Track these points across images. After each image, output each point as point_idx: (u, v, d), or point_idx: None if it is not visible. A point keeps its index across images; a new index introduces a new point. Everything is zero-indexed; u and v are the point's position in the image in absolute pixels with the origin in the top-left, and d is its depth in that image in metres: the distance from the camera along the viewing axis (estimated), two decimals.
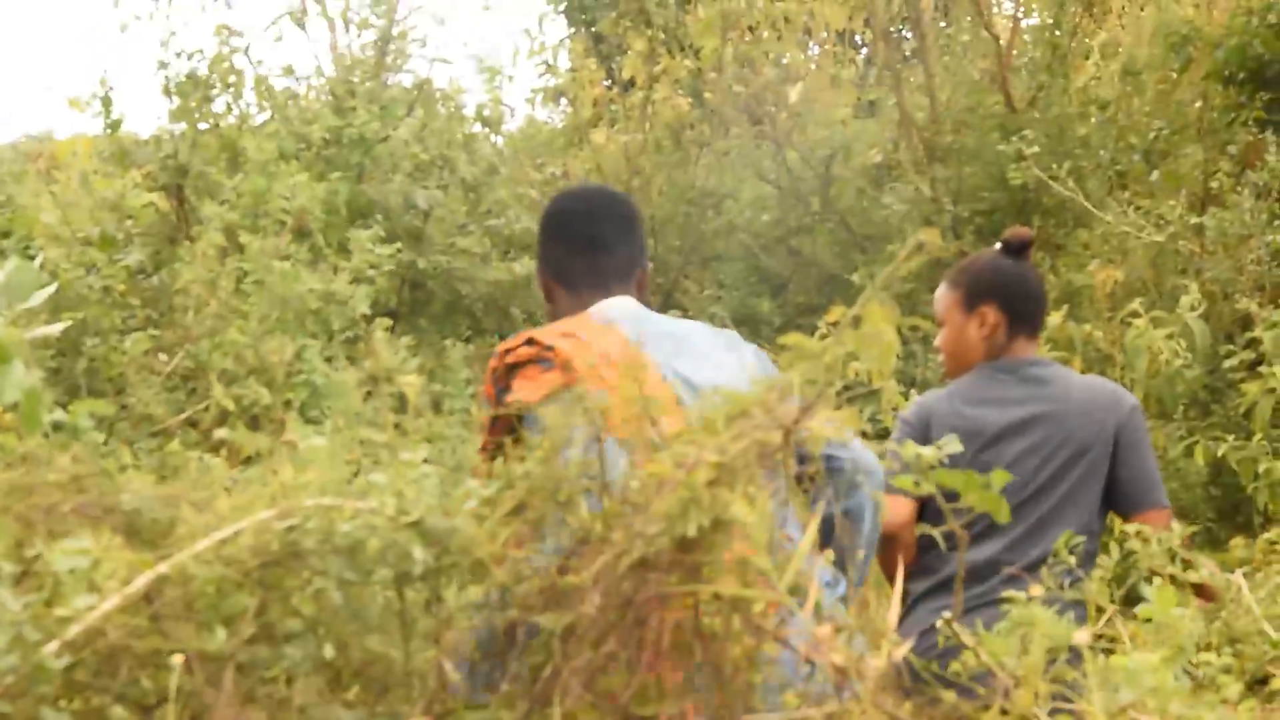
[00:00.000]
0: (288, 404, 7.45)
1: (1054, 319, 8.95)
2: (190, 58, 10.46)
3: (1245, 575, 3.03)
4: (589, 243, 3.76)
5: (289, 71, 11.39)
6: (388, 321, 8.80)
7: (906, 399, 6.62)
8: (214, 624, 2.08)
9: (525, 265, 11.34)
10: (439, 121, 12.08)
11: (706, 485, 2.07)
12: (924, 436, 4.33)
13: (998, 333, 4.49)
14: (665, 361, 3.38)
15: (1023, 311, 4.51)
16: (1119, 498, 4.24)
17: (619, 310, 3.64)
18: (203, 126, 10.33)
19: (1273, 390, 7.20)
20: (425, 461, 2.36)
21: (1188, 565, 3.10)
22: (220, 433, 2.79)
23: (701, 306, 14.12)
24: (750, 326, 13.87)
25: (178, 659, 2.01)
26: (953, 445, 2.44)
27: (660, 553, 2.08)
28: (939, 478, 2.40)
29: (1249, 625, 2.79)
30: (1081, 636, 2.22)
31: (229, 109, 10.72)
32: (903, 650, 2.16)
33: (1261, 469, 6.38)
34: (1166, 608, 2.33)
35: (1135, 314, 8.46)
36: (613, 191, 4.13)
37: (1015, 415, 4.34)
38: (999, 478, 2.43)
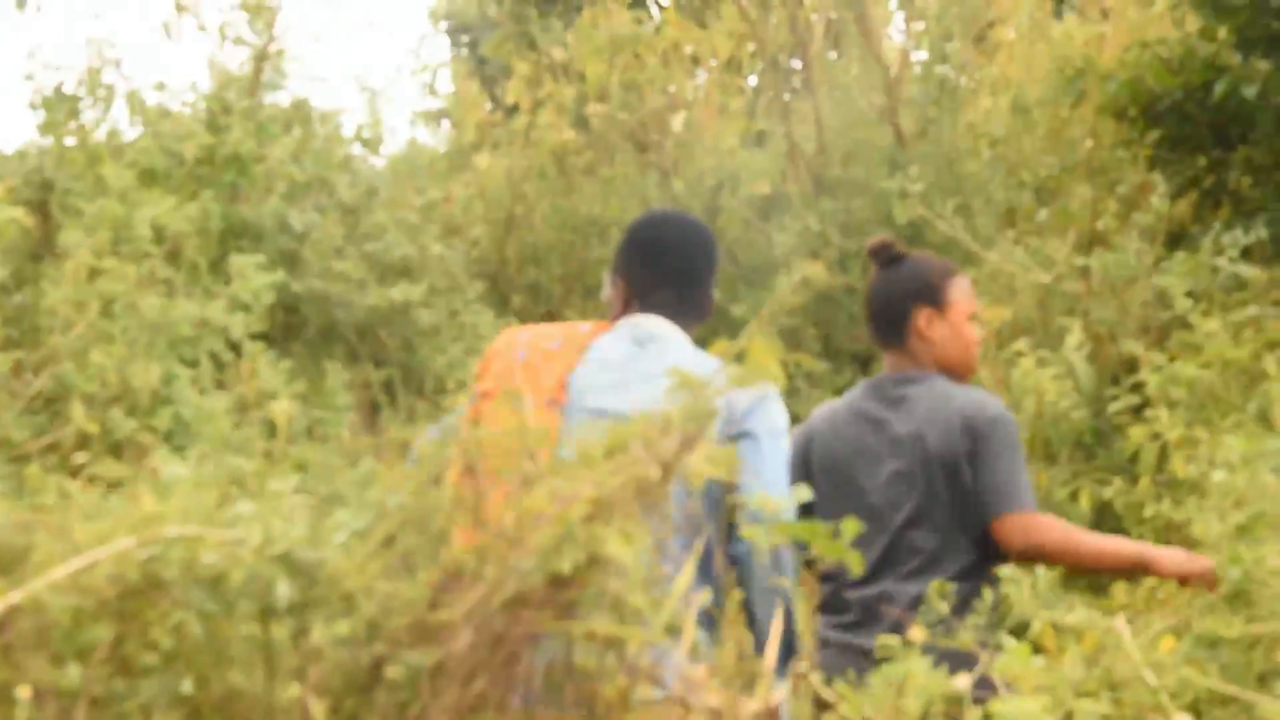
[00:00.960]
0: (153, 431, 7.32)
1: None
2: (58, 70, 10.31)
3: (1128, 621, 3.02)
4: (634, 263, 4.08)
5: (161, 87, 11.22)
6: (262, 346, 8.68)
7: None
8: (68, 656, 2.01)
9: (403, 291, 11.23)
10: (317, 142, 11.97)
11: (583, 521, 2.03)
12: (805, 463, 4.42)
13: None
14: (587, 392, 3.68)
15: (873, 325, 4.59)
16: (977, 510, 4.23)
17: (625, 325, 3.96)
18: (70, 141, 10.17)
19: (1158, 435, 7.25)
20: (297, 491, 2.30)
21: (1070, 608, 3.09)
22: (79, 457, 2.72)
23: None
24: None
25: (25, 692, 1.93)
26: (801, 494, 2.43)
27: (534, 589, 2.03)
28: (784, 529, 2.39)
29: (1129, 672, 2.77)
30: (961, 683, 2.20)
31: (98, 124, 10.56)
32: (780, 694, 2.13)
33: (1147, 513, 6.41)
34: (1024, 660, 2.31)
35: (1020, 353, 8.51)
36: (683, 220, 4.30)
37: (882, 437, 4.36)
38: (850, 527, 2.41)
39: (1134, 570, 4.09)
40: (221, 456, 2.39)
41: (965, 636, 3.04)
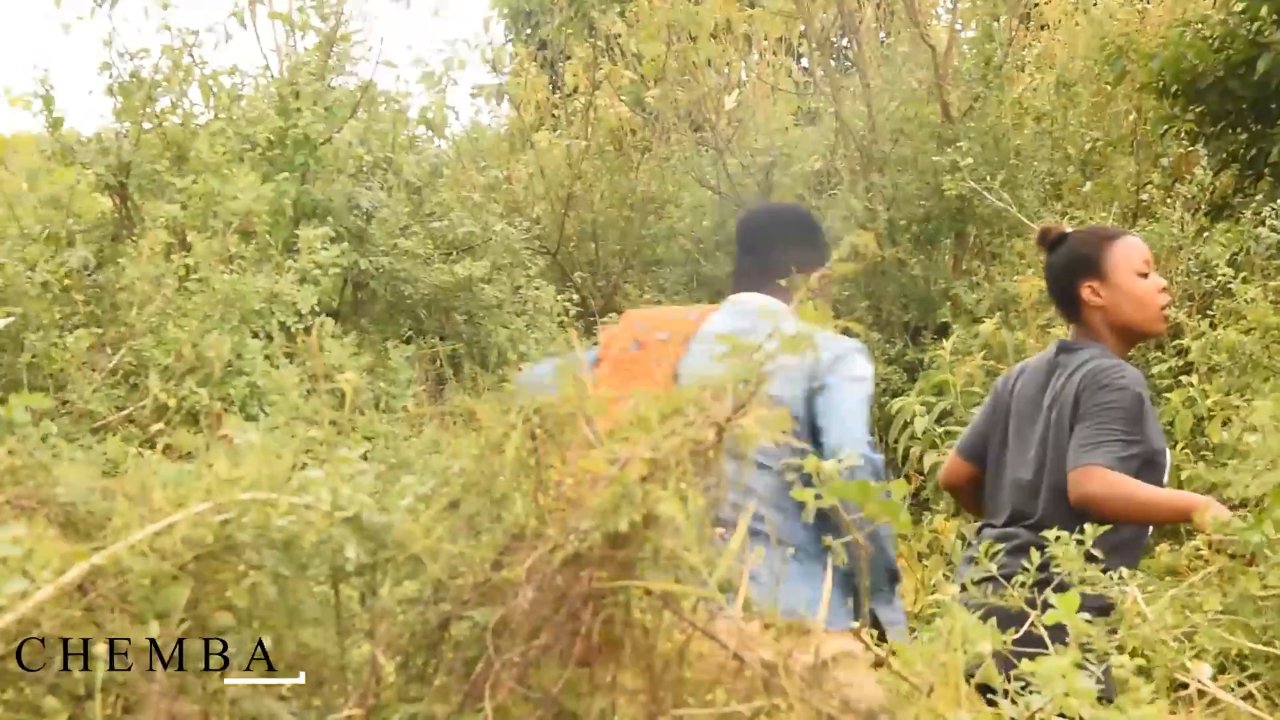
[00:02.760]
0: (227, 401, 7.42)
1: (987, 326, 9.03)
2: (134, 57, 10.43)
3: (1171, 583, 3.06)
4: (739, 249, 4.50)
5: (234, 71, 11.34)
6: (330, 321, 8.78)
7: None
8: (148, 616, 2.08)
9: (467, 267, 11.33)
10: (383, 124, 12.07)
11: (639, 481, 2.09)
12: (995, 400, 4.82)
13: None
14: (690, 360, 4.08)
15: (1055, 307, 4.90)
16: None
17: (729, 304, 4.36)
18: (146, 126, 10.30)
19: (1192, 400, 7.26)
20: (364, 458, 2.37)
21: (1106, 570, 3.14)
22: (156, 427, 2.79)
23: None
24: None
25: (103, 649, 2.01)
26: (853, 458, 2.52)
27: (593, 548, 2.10)
28: (837, 490, 2.46)
29: (1152, 635, 2.82)
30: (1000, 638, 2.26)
31: (174, 108, 10.68)
32: (832, 647, 2.18)
33: (1184, 476, 6.43)
34: (1071, 613, 2.36)
35: (1056, 320, 8.56)
36: (772, 211, 4.82)
37: (1041, 394, 4.63)
38: (898, 487, 2.51)
39: (1183, 518, 4.16)
40: (292, 425, 2.46)
41: (1015, 596, 3.10)
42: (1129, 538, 4.29)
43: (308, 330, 8.30)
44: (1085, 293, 4.60)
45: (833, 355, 4.02)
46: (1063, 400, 4.45)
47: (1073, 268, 4.65)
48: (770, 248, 4.44)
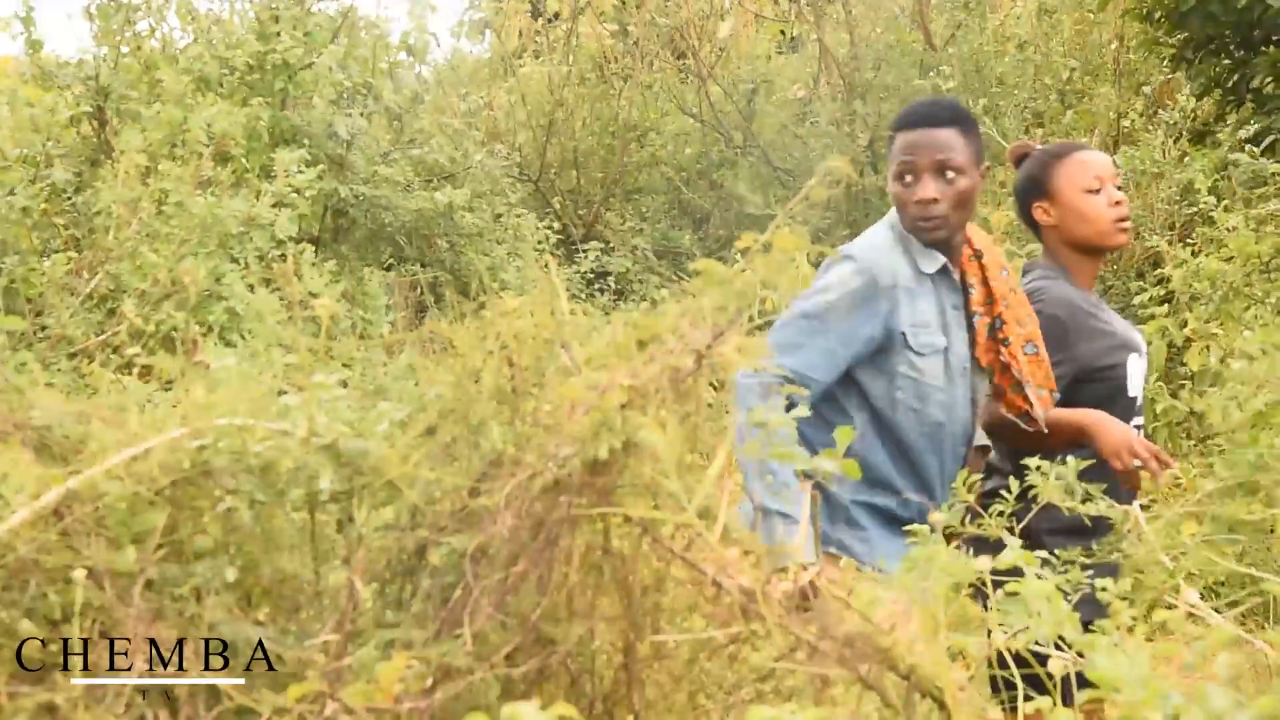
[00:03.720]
0: (205, 327, 7.41)
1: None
2: None
3: (1143, 508, 3.07)
4: None
5: None
6: (309, 247, 8.75)
7: None
8: (124, 541, 2.08)
9: (448, 194, 11.28)
10: (363, 50, 11.99)
11: (618, 408, 2.08)
12: None
13: None
14: None
15: None
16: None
17: None
18: (125, 50, 10.23)
19: (1165, 329, 7.28)
20: (342, 384, 2.36)
21: (1087, 498, 3.15)
22: (130, 351, 2.78)
23: (623, 239, 14.13)
24: (671, 259, 13.91)
25: (81, 574, 2.00)
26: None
27: (572, 475, 2.09)
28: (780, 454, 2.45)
29: (1147, 556, 2.83)
30: (983, 564, 2.26)
31: (152, 32, 10.61)
32: (809, 574, 2.19)
33: (1159, 408, 6.45)
34: (1028, 556, 2.36)
35: (1032, 254, 8.56)
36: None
37: None
38: (844, 435, 2.52)
39: (1077, 435, 4.17)
40: (269, 352, 2.45)
41: (993, 525, 3.10)
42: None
43: (284, 257, 8.28)
44: (1038, 214, 4.62)
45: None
46: None
47: (1025, 189, 4.68)
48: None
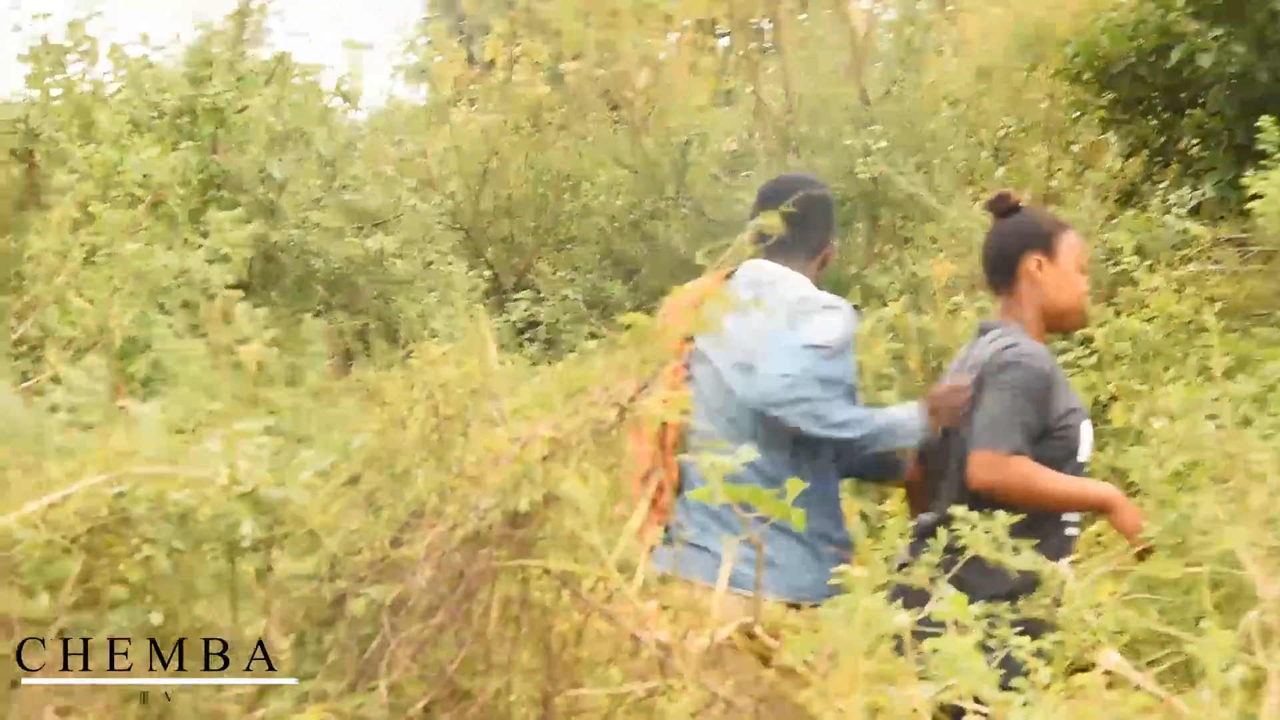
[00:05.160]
0: (131, 376, 7.33)
1: (892, 309, 9.07)
2: (43, 20, 10.30)
3: (1071, 564, 3.09)
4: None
5: (144, 39, 11.22)
6: (238, 294, 8.69)
7: None
8: (39, 588, 2.06)
9: (379, 241, 11.24)
10: (296, 95, 11.95)
11: (540, 461, 2.08)
12: None
13: None
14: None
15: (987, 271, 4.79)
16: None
17: (745, 271, 4.67)
18: (56, 93, 10.17)
19: (1093, 386, 7.32)
20: (267, 432, 2.35)
21: (1015, 550, 3.15)
22: (55, 397, 2.75)
23: (554, 288, 14.12)
24: (602, 309, 13.90)
25: None
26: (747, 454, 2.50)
27: (493, 526, 2.09)
28: (730, 492, 2.44)
29: (1072, 614, 2.84)
30: (902, 620, 2.26)
31: (83, 75, 10.56)
32: (727, 630, 2.19)
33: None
34: (961, 606, 2.37)
35: (959, 305, 8.65)
36: (789, 181, 5.14)
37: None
38: (794, 485, 2.52)
39: (1098, 511, 4.19)
40: (193, 398, 2.43)
41: (918, 573, 3.11)
42: (1045, 523, 4.29)
43: (213, 300, 8.21)
44: (1030, 264, 4.60)
45: (793, 313, 4.52)
46: (977, 383, 4.47)
47: (1024, 237, 4.65)
48: (797, 220, 4.50)
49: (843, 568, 2.69)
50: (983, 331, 4.61)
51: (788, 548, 4.32)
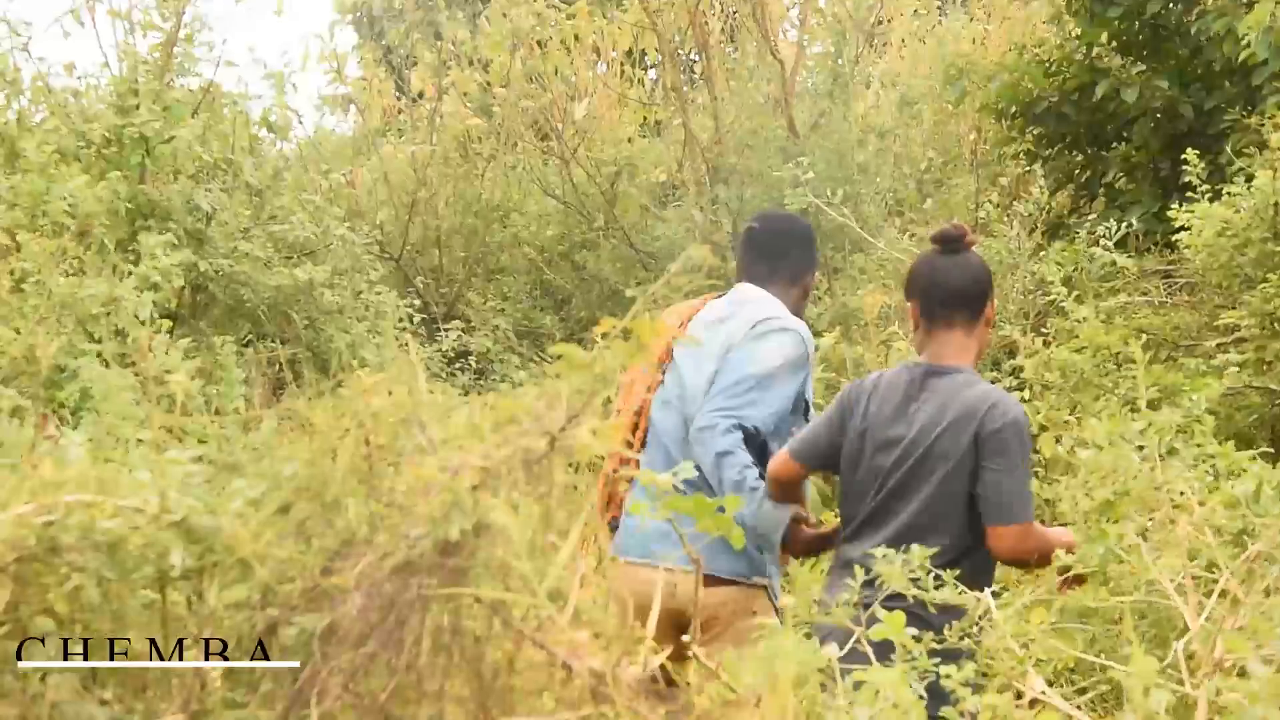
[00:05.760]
0: (58, 405, 7.29)
1: (826, 340, 9.12)
2: None
3: (994, 594, 3.11)
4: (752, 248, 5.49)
5: (69, 69, 11.18)
6: (167, 324, 8.66)
7: None
8: None
9: (308, 271, 11.21)
10: (224, 125, 11.91)
11: (470, 490, 2.08)
12: (842, 416, 4.70)
13: (918, 327, 4.72)
14: (697, 328, 5.21)
15: (924, 306, 4.69)
16: (979, 509, 4.32)
17: (731, 293, 5.41)
18: None
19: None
20: (196, 461, 2.34)
21: (939, 582, 3.18)
22: None
23: (484, 318, 14.12)
24: (532, 339, 13.92)
25: None
26: (686, 471, 2.50)
27: (423, 555, 2.09)
28: (671, 504, 2.47)
29: (999, 642, 2.87)
30: (830, 652, 2.28)
31: (7, 104, 10.50)
32: (659, 659, 2.19)
33: None
34: (898, 630, 2.39)
35: (896, 335, 8.68)
36: (771, 219, 5.73)
37: (900, 419, 4.51)
38: (731, 502, 2.54)
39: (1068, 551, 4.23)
40: (120, 428, 2.42)
41: (839, 612, 3.13)
42: (983, 557, 4.31)
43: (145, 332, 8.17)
44: (990, 309, 4.63)
45: (753, 333, 5.12)
46: (946, 427, 4.42)
47: (988, 278, 4.66)
48: (760, 245, 5.45)
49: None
50: (933, 374, 4.53)
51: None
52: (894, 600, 3.24)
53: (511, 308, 14.69)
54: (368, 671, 2.09)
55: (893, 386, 4.60)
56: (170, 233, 9.52)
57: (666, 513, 2.50)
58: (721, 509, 2.56)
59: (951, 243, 4.67)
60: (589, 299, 14.40)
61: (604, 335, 2.24)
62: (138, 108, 10.58)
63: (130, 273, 8.46)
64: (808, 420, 5.12)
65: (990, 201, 11.36)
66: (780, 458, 4.81)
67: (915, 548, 3.32)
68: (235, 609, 2.21)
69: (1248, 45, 9.08)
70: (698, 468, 4.78)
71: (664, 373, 5.25)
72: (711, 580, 4.88)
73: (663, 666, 2.23)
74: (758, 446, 4.92)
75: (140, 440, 2.19)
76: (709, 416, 4.92)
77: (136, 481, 2.19)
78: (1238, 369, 7.04)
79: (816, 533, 4.82)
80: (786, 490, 4.82)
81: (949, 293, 4.63)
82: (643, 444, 5.22)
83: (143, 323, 8.31)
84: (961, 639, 3.13)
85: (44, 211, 8.56)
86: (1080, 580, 3.72)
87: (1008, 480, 4.23)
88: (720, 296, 5.47)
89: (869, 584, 3.35)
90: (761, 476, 4.82)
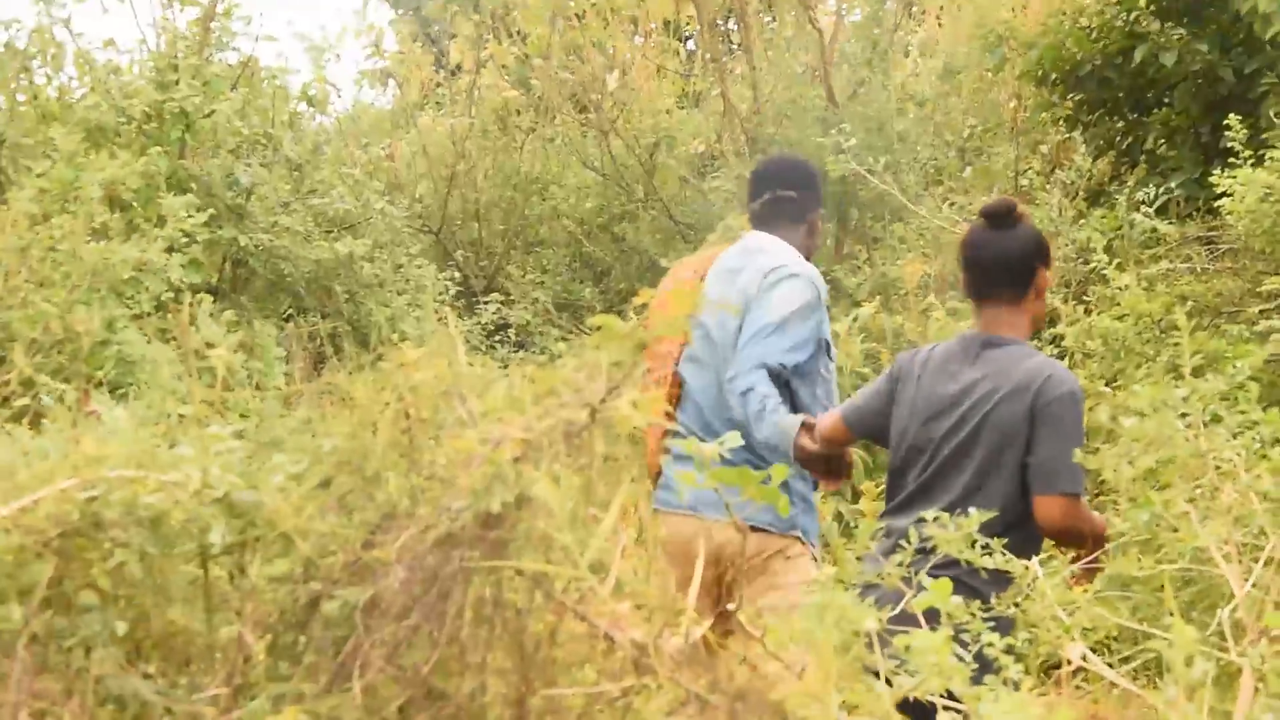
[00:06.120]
0: (97, 377, 7.31)
1: (866, 310, 9.10)
2: (7, 28, 10.28)
3: (1041, 563, 3.09)
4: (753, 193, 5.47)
5: (110, 44, 11.21)
6: (207, 298, 8.68)
7: None
8: (10, 594, 2.05)
9: (348, 244, 11.24)
10: (263, 99, 11.93)
11: (512, 462, 2.08)
12: (892, 386, 4.70)
13: (969, 299, 4.70)
14: (710, 288, 5.22)
15: (969, 282, 4.66)
16: (1028, 480, 4.30)
17: (741, 241, 5.35)
18: (21, 98, 10.16)
19: None
20: (237, 436, 2.34)
21: (986, 550, 3.16)
22: (22, 403, 2.75)
23: (524, 291, 14.13)
24: (571, 312, 13.92)
25: None
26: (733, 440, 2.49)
27: (465, 528, 2.09)
28: (717, 475, 2.46)
29: (1044, 611, 2.86)
30: (870, 622, 2.27)
31: (49, 80, 10.54)
32: (702, 629, 2.19)
33: None
34: (944, 597, 2.38)
35: (933, 305, 8.65)
36: (773, 161, 5.97)
37: (954, 389, 4.49)
38: (779, 472, 2.52)
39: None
40: (163, 402, 2.43)
41: (890, 575, 3.12)
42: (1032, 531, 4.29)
43: (181, 304, 8.19)
44: (1041, 279, 4.57)
45: (764, 284, 5.16)
46: (1002, 397, 4.42)
47: (1037, 251, 4.59)
48: (766, 187, 5.41)
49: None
50: (990, 345, 4.51)
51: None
52: (942, 569, 3.23)
53: (551, 280, 14.69)
54: (410, 644, 2.09)
55: (947, 357, 4.58)
56: (211, 208, 9.54)
57: (713, 482, 2.50)
58: (768, 479, 2.56)
59: (997, 217, 4.62)
60: (628, 271, 14.39)
61: (642, 306, 2.24)
62: (177, 83, 10.60)
63: (157, 237, 8.47)
64: (831, 359, 5.35)
65: (1031, 169, 11.31)
66: (832, 417, 4.87)
67: (971, 512, 3.30)
68: (277, 583, 2.21)
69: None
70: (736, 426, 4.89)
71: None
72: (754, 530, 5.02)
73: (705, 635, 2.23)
74: (781, 385, 5.06)
75: (182, 416, 2.18)
76: (735, 368, 5.06)
77: (178, 457, 2.19)
78: None
79: (820, 451, 4.88)
80: (831, 449, 4.88)
81: (992, 267, 4.60)
82: (677, 402, 5.35)
83: (173, 286, 8.32)
84: (1009, 608, 3.12)
85: (76, 195, 8.55)
86: (1092, 574, 3.71)
87: (1060, 451, 4.20)
88: (731, 245, 5.49)
89: (921, 552, 3.35)
90: (780, 405, 4.98)
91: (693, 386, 5.32)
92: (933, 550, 3.34)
